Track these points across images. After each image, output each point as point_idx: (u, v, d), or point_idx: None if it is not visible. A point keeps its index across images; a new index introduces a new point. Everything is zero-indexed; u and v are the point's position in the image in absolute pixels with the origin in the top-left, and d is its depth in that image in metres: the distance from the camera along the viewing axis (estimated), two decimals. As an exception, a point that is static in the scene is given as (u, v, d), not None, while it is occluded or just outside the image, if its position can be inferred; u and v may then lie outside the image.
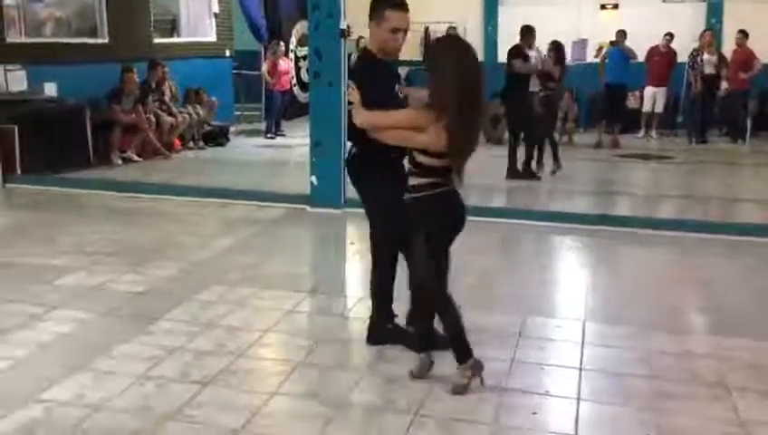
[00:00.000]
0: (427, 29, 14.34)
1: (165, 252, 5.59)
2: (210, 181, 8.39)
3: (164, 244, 5.84)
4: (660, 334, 4.06)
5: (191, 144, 10.76)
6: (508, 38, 12.16)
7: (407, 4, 3.47)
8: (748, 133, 11.84)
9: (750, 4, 12.17)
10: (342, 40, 6.76)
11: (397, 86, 3.55)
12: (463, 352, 3.36)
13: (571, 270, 5.61)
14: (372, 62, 3.53)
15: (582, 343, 3.94)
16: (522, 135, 8.84)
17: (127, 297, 4.60)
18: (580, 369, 3.63)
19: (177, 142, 10.48)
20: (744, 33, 11.58)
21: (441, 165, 3.26)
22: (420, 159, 3.28)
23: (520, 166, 8.76)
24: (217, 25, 12.47)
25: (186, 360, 3.69)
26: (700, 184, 9.03)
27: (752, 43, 11.54)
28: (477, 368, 3.36)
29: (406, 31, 3.47)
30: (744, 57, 11.59)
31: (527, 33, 8.96)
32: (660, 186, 9.01)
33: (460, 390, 3.33)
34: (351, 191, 6.90)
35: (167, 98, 10.30)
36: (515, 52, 8.76)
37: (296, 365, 3.65)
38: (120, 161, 9.37)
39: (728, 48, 12.13)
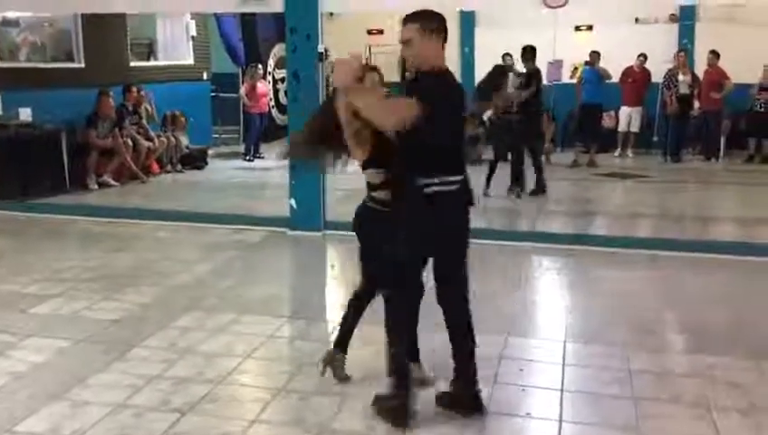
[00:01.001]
0: (403, 52, 14.44)
1: (142, 278, 5.53)
2: (188, 205, 8.34)
3: (141, 270, 5.77)
4: (640, 354, 4.07)
5: (169, 168, 10.70)
6: (485, 60, 12.32)
7: None
8: (721, 152, 12.05)
9: (720, 25, 12.41)
10: (320, 63, 6.79)
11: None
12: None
13: (550, 290, 5.63)
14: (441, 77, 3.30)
15: (563, 363, 3.94)
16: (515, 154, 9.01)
17: (103, 325, 4.53)
18: (562, 390, 3.63)
19: (155, 166, 10.42)
20: (715, 54, 11.79)
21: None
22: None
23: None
24: (195, 48, 12.46)
25: (164, 388, 3.63)
26: (676, 203, 9.14)
27: (723, 64, 11.77)
28: None
29: None
30: (716, 77, 11.80)
31: (527, 53, 9.24)
32: (637, 204, 9.09)
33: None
34: (331, 214, 7.02)
35: (143, 120, 10.26)
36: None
37: (277, 392, 3.62)
38: (96, 186, 9.28)
39: (700, 69, 12.35)
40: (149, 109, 10.48)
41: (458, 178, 3.24)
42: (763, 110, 11.74)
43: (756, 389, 3.65)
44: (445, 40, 3.29)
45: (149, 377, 3.75)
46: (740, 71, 11.58)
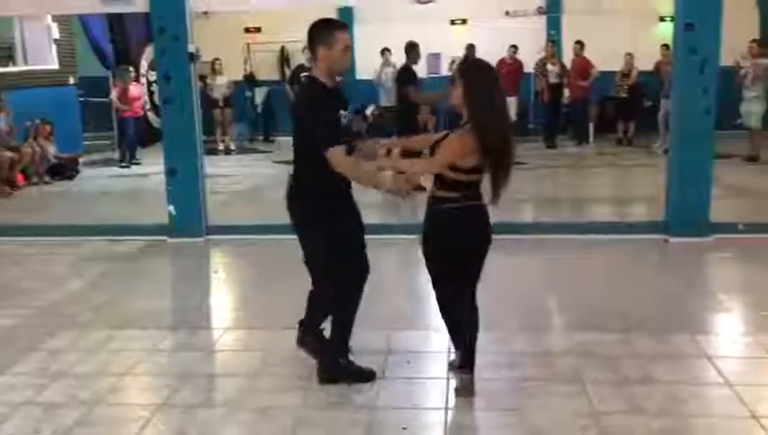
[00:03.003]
0: (283, 48, 14.29)
1: (7, 298, 5.18)
2: (58, 218, 7.87)
3: (5, 290, 5.40)
4: (524, 336, 4.21)
5: (36, 179, 10.06)
6: (365, 55, 12.38)
7: None
8: (591, 137, 12.69)
9: (585, 16, 13.07)
10: (192, 63, 6.57)
11: (342, 112, 3.50)
12: None
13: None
14: (321, 90, 3.49)
15: (449, 352, 3.99)
16: None
17: (-36, 353, 4.19)
18: (448, 379, 3.68)
19: (20, 178, 9.77)
20: (580, 44, 12.41)
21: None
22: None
23: None
24: (59, 52, 11.78)
25: (35, 415, 3.41)
26: (553, 187, 9.53)
27: (588, 53, 12.39)
28: None
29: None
30: (582, 66, 12.41)
31: (411, 49, 8.82)
32: (516, 191, 9.37)
33: None
34: (213, 218, 6.82)
35: (2, 131, 9.59)
36: (407, 75, 8.58)
37: (158, 408, 3.47)
38: (-47, 203, 8.60)
39: (568, 58, 12.96)
40: (7, 120, 9.80)
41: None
42: (626, 95, 12.45)
43: (627, 361, 3.85)
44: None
45: (18, 404, 3.51)
46: (604, 59, 12.25)
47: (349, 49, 3.48)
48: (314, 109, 3.43)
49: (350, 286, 3.56)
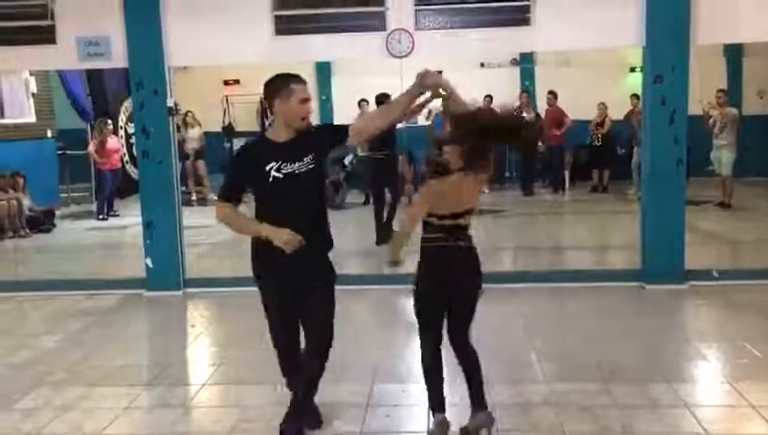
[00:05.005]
0: (262, 100, 14.40)
1: (-23, 358, 5.06)
2: (32, 272, 7.80)
3: (-24, 349, 5.28)
4: (503, 386, 4.19)
5: (11, 233, 9.94)
6: (343, 106, 12.53)
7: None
8: (567, 184, 12.88)
9: (557, 67, 13.40)
10: (171, 117, 6.61)
11: (272, 164, 3.39)
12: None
13: (412, 331, 5.66)
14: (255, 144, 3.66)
15: (429, 409, 3.95)
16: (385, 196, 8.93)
17: (-68, 415, 4.08)
18: (428, 432, 3.65)
19: (-6, 233, 9.66)
20: (553, 94, 12.70)
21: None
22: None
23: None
24: (36, 105, 11.79)
25: (3, 479, 3.31)
26: (530, 235, 9.60)
27: (561, 103, 12.66)
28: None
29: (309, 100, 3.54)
30: (556, 115, 12.66)
31: (383, 100, 8.88)
32: (495, 239, 9.46)
33: None
34: (191, 271, 6.77)
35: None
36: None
37: (132, 469, 3.39)
38: (-75, 258, 8.46)
39: (541, 108, 13.23)
40: None
41: None
42: (600, 144, 12.70)
43: (606, 411, 3.85)
44: None
45: (-14, 469, 3.40)
46: (577, 109, 12.53)
47: (307, 101, 3.48)
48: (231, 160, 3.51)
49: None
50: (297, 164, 3.39)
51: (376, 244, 8.57)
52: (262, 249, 3.44)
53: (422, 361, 3.59)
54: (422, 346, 3.59)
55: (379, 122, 3.60)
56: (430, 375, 3.56)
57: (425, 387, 3.60)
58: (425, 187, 3.62)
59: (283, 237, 3.30)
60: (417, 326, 3.60)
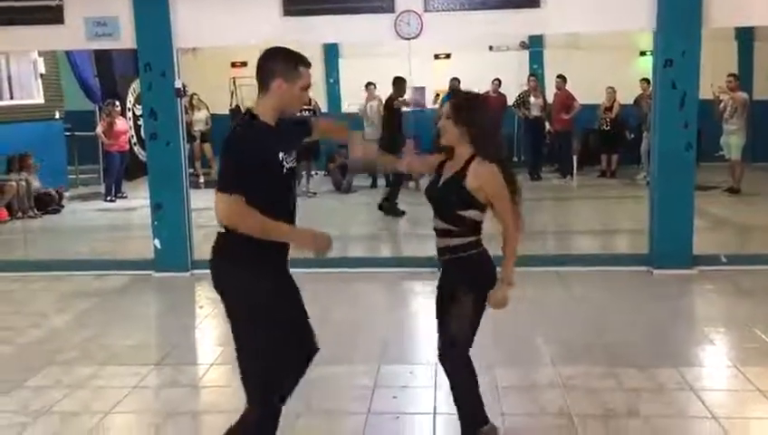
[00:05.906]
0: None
1: (-11, 336, 5.10)
2: (42, 253, 7.83)
3: (-11, 326, 5.33)
4: (508, 369, 4.21)
5: (20, 214, 9.99)
6: (351, 88, 12.48)
7: None
8: (574, 169, 12.82)
9: (566, 50, 13.30)
10: (179, 99, 6.61)
11: (281, 154, 2.79)
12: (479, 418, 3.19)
13: (420, 314, 5.70)
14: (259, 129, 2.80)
15: (435, 386, 3.99)
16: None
17: (-56, 392, 4.13)
18: (434, 414, 3.67)
19: (3, 213, 9.70)
20: (562, 78, 12.61)
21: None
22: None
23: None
24: (45, 86, 11.79)
25: (16, 456, 3.36)
26: (538, 219, 9.57)
27: (570, 87, 12.58)
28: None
29: None
30: (565, 100, 12.59)
31: (398, 83, 9.73)
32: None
33: None
34: (199, 253, 6.80)
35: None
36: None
37: (142, 447, 3.43)
38: (-64, 238, 8.52)
39: (549, 92, 13.15)
40: None
41: None
42: (608, 128, 12.63)
43: (613, 394, 3.86)
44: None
45: (-2, 445, 3.45)
46: (586, 93, 12.44)
47: (307, 88, 2.92)
48: (240, 144, 2.76)
49: None
50: (293, 155, 2.90)
51: (378, 207, 9.39)
52: (267, 261, 2.78)
53: (472, 374, 3.25)
54: (467, 358, 3.27)
55: (360, 154, 3.30)
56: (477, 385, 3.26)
57: (474, 403, 3.25)
58: (490, 171, 3.13)
59: (323, 243, 2.74)
60: (464, 340, 3.25)
